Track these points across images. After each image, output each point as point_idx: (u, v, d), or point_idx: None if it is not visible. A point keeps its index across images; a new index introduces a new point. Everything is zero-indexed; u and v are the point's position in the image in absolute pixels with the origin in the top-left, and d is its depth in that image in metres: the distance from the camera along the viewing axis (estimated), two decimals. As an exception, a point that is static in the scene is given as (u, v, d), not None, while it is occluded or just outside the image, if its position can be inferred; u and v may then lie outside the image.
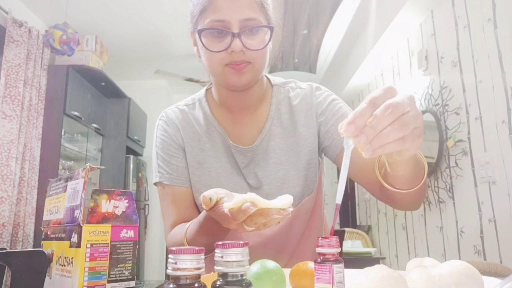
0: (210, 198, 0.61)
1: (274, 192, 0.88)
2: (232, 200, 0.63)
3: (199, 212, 0.89)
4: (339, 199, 0.52)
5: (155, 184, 0.93)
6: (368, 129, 0.48)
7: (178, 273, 0.38)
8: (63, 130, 3.16)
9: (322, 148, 0.92)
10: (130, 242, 0.55)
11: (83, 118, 3.45)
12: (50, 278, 0.57)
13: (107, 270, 0.52)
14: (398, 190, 0.67)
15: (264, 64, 0.83)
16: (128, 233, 0.55)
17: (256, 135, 0.91)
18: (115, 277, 0.53)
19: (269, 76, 0.97)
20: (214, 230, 0.71)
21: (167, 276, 0.41)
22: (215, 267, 0.42)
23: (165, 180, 0.90)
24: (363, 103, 0.50)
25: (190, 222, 0.78)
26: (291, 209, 0.57)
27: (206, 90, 0.97)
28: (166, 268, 0.40)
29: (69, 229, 0.54)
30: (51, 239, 0.60)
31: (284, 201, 0.57)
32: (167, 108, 0.98)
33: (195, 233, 0.75)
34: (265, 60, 0.83)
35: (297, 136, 0.91)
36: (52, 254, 0.58)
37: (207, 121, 0.93)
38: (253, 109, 0.92)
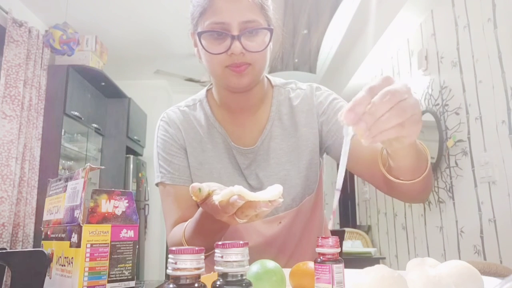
0: (200, 189, 0.60)
1: None
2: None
3: None
4: (339, 184, 0.53)
5: (157, 184, 0.92)
6: (367, 116, 0.49)
7: (178, 273, 0.38)
8: (63, 130, 3.16)
9: (325, 147, 0.92)
10: (130, 242, 0.55)
11: (83, 118, 3.45)
12: (50, 278, 0.57)
13: (107, 270, 0.52)
14: (402, 182, 0.67)
15: (264, 66, 0.83)
16: (128, 233, 0.55)
17: (257, 136, 0.91)
18: (115, 277, 0.53)
19: (269, 77, 0.97)
20: (209, 226, 0.71)
21: (167, 276, 0.41)
22: (215, 267, 0.42)
23: (167, 180, 0.90)
24: (362, 91, 0.51)
25: (188, 220, 0.78)
26: (281, 199, 0.57)
27: (207, 90, 0.97)
28: (166, 268, 0.40)
29: (69, 229, 0.54)
30: (51, 239, 0.60)
31: (273, 193, 0.57)
32: (168, 109, 0.98)
33: (193, 230, 0.75)
34: (265, 61, 0.83)
35: (298, 136, 0.91)
36: (52, 254, 0.58)
37: (208, 122, 0.93)
38: (254, 110, 0.92)
